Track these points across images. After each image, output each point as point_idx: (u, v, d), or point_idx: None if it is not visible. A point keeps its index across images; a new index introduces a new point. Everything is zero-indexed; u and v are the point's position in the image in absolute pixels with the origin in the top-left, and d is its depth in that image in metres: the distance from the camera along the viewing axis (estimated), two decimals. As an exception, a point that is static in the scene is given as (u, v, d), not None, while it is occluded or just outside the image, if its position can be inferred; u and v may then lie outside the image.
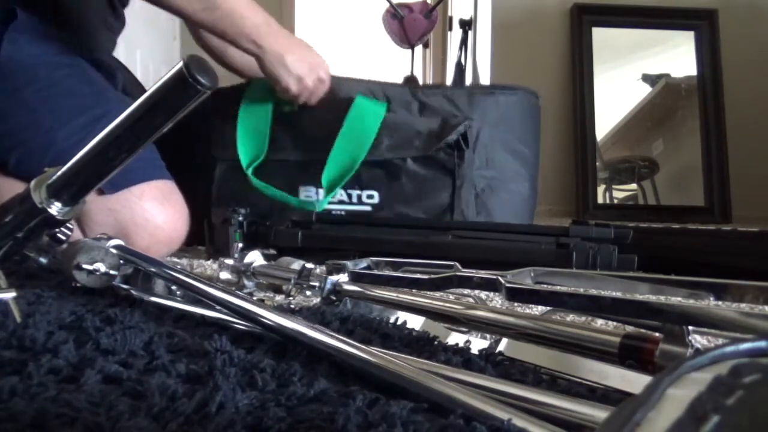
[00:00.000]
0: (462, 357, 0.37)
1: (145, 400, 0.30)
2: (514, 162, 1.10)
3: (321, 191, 1.02)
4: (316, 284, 0.56)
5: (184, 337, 0.40)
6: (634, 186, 2.29)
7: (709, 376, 0.14)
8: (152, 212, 0.87)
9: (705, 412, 0.13)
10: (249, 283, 0.68)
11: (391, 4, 1.85)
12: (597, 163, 2.26)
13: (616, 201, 2.29)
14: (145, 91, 0.42)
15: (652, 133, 2.29)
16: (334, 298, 0.55)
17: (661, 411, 0.14)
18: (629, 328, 0.39)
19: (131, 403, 0.29)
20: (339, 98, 1.05)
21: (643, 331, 0.35)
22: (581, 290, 0.50)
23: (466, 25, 2.21)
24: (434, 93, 1.08)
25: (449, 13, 2.61)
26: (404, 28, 1.88)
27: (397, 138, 1.01)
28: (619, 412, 0.14)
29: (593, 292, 0.47)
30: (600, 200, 2.25)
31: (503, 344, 0.41)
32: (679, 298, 0.41)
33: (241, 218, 0.93)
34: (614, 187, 2.29)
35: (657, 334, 0.34)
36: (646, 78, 2.31)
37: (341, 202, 1.04)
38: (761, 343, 0.15)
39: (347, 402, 0.29)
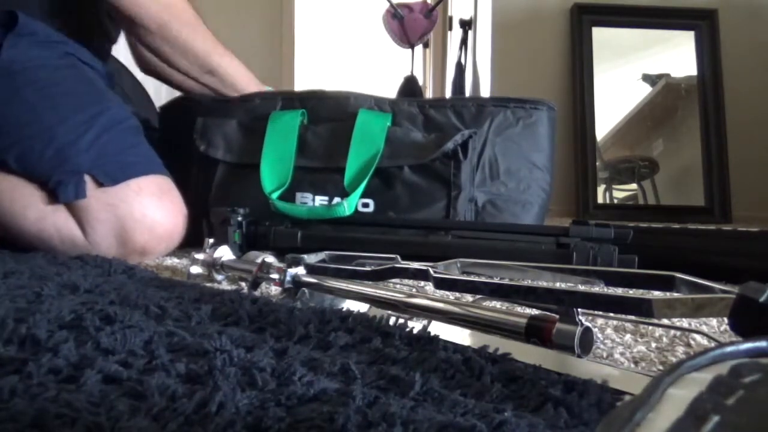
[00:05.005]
0: (462, 356, 0.37)
1: (145, 400, 0.30)
2: (529, 179, 1.08)
3: (318, 197, 1.01)
4: (276, 276, 0.60)
5: (183, 336, 0.40)
6: (634, 186, 2.30)
7: (709, 376, 0.14)
8: (150, 207, 0.88)
9: (705, 412, 0.13)
10: (219, 276, 0.73)
11: (391, 4, 1.85)
12: (597, 163, 2.26)
13: (616, 201, 2.29)
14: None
15: (652, 133, 2.29)
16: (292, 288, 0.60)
17: (661, 411, 0.14)
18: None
19: (131, 403, 0.29)
20: (346, 112, 1.05)
21: (545, 313, 0.41)
22: (495, 279, 0.62)
23: (466, 25, 2.21)
24: (441, 106, 1.07)
25: (449, 13, 2.61)
26: (404, 28, 1.88)
27: (396, 147, 1.00)
28: (619, 412, 0.14)
29: (505, 280, 0.60)
30: (600, 200, 2.25)
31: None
32: (578, 285, 0.48)
33: (240, 218, 0.93)
34: (614, 187, 2.29)
35: (555, 316, 0.40)
36: (646, 78, 2.31)
37: None
38: (761, 343, 0.15)
39: (347, 401, 0.29)
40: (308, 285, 0.59)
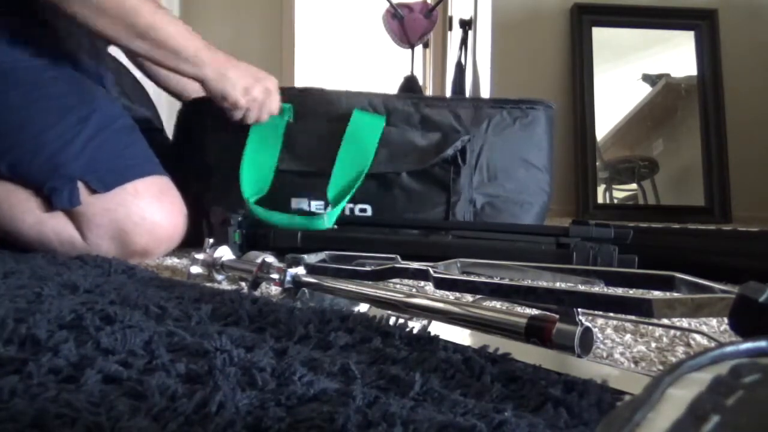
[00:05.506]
0: (462, 356, 0.37)
1: (145, 400, 0.30)
2: (527, 179, 1.07)
3: (313, 203, 1.00)
4: (276, 276, 0.60)
5: (183, 336, 0.40)
6: (634, 186, 2.29)
7: (709, 376, 0.14)
8: (149, 210, 0.87)
9: (705, 412, 0.13)
10: (219, 276, 0.74)
11: (391, 4, 1.85)
12: (597, 163, 2.26)
13: (616, 201, 2.29)
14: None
15: (652, 133, 2.29)
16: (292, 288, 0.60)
17: (661, 411, 0.14)
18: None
19: (131, 403, 0.29)
20: (339, 112, 1.03)
21: (545, 313, 0.41)
22: (495, 279, 0.62)
23: (466, 25, 2.21)
24: (438, 105, 1.05)
25: (449, 13, 2.61)
26: (404, 28, 1.88)
27: (394, 151, 0.98)
28: (619, 412, 0.14)
29: (505, 280, 0.60)
30: (600, 200, 2.25)
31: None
32: (578, 285, 0.48)
33: (240, 218, 0.93)
34: (614, 187, 2.29)
35: (555, 316, 0.40)
36: (646, 78, 2.31)
37: None
38: (761, 343, 0.15)
39: (347, 401, 0.29)
40: (308, 285, 0.59)
